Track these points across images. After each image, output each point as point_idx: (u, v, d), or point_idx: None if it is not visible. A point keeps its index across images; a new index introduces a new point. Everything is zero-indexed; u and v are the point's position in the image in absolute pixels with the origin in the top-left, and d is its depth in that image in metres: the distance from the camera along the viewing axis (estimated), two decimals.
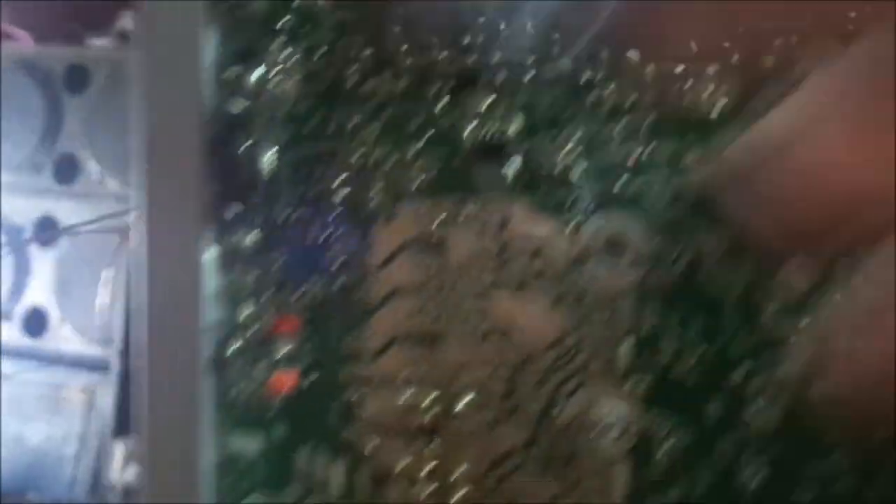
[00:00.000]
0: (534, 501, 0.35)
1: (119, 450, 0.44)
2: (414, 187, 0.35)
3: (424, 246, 0.35)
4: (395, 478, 0.37)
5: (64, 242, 0.47)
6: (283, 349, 0.37)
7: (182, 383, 0.37)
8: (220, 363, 0.37)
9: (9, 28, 0.50)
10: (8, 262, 0.46)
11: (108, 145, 0.45)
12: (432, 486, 0.37)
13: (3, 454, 0.46)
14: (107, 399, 0.44)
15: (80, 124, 0.46)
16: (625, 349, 0.34)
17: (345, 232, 0.36)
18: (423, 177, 0.35)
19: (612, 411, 0.34)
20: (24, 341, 0.47)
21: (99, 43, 0.47)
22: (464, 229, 0.35)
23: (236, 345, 0.37)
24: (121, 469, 0.43)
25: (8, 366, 0.47)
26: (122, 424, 0.43)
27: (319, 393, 0.37)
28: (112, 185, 0.45)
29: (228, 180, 0.36)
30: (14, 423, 0.47)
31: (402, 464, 0.37)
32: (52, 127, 0.46)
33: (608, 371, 0.34)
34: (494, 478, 0.36)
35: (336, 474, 0.39)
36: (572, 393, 0.34)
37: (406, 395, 0.36)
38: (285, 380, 0.37)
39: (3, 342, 0.47)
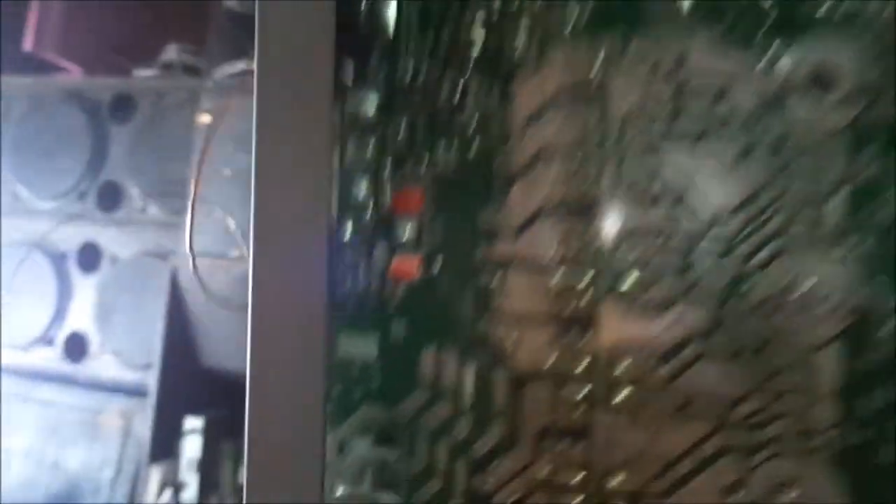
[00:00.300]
0: (715, 399, 0.29)
1: (155, 475, 0.43)
2: (567, 27, 0.31)
3: (580, 96, 0.30)
4: (542, 378, 0.31)
5: (106, 267, 0.48)
6: (405, 230, 0.33)
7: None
8: (331, 247, 0.33)
9: (58, 60, 0.53)
10: (51, 287, 0.48)
11: (151, 173, 0.47)
12: (586, 388, 0.31)
13: (41, 480, 0.48)
14: (144, 424, 0.44)
15: (124, 153, 0.48)
16: (835, 205, 0.28)
17: (481, 88, 0.31)
18: (576, 12, 0.30)
19: (820, 283, 0.27)
20: (64, 367, 0.48)
21: (144, 74, 0.50)
22: (628, 72, 0.30)
23: (350, 227, 0.33)
24: (156, 494, 0.43)
25: (48, 391, 0.48)
26: (159, 450, 0.43)
27: (447, 281, 0.32)
28: (154, 211, 0.47)
29: (346, 35, 0.32)
30: (52, 448, 0.48)
31: (549, 361, 0.31)
32: (98, 155, 0.48)
33: (814, 234, 0.27)
34: (667, 371, 0.30)
35: (467, 377, 0.33)
36: (767, 263, 0.28)
37: (555, 278, 0.31)
38: (407, 266, 0.32)
39: (44, 367, 0.48)
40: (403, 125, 0.32)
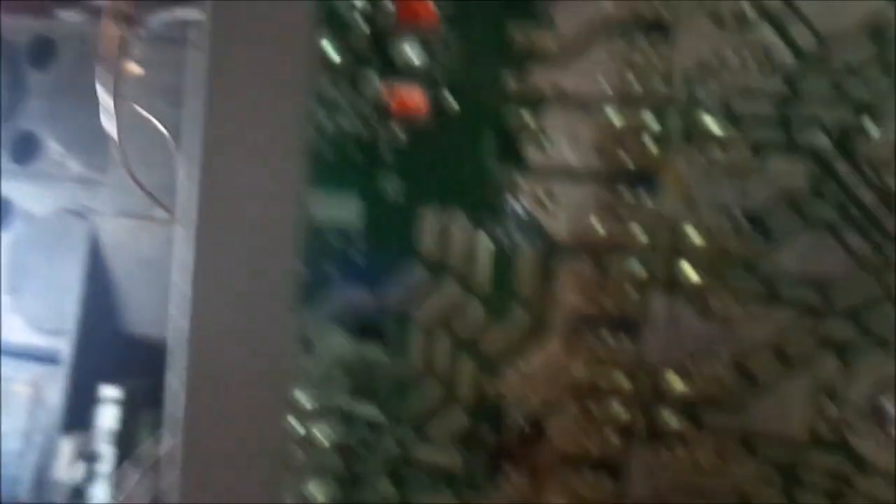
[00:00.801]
0: (816, 279, 0.23)
1: (66, 447, 0.40)
2: None
3: None
4: (584, 251, 0.23)
5: (18, 226, 0.44)
6: (410, 50, 0.25)
7: None
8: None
9: None
10: None
11: (72, 125, 0.43)
12: (643, 264, 0.24)
13: None
14: (56, 393, 0.42)
15: (42, 101, 0.44)
16: None
17: None
18: None
19: None
20: None
21: (68, 16, 0.44)
22: None
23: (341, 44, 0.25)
24: (68, 466, 0.40)
25: None
26: (72, 420, 0.41)
27: (464, 121, 0.24)
28: (73, 166, 0.43)
29: None
30: None
31: (596, 229, 0.24)
32: (13, 103, 0.44)
33: None
34: (752, 243, 0.23)
35: (482, 249, 0.26)
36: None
37: (611, 120, 0.24)
38: (410, 100, 0.25)
39: None
40: None
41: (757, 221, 0.23)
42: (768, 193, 0.22)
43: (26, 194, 0.44)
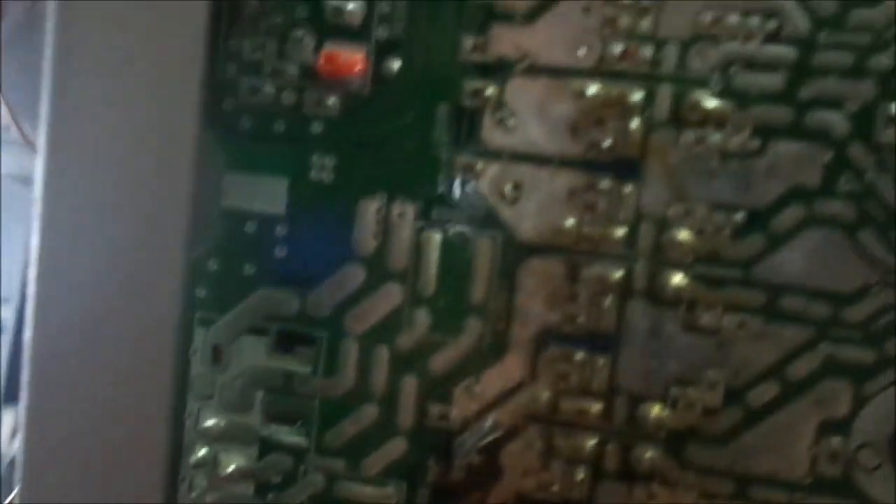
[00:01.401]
0: (821, 290, 0.19)
1: (8, 419, 0.39)
2: None
3: None
4: (552, 251, 0.19)
5: None
6: (345, 5, 0.21)
7: None
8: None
9: None
10: None
11: (19, 88, 0.41)
12: (620, 269, 0.20)
13: None
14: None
15: None
16: None
17: None
18: None
19: None
20: None
21: None
22: None
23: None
24: (9, 439, 0.38)
25: None
26: (15, 391, 0.35)
27: (409, 90, 0.20)
28: (24, 130, 0.40)
29: None
30: None
31: (567, 225, 0.19)
32: None
33: None
34: (748, 246, 0.19)
35: (431, 245, 0.22)
36: None
37: (586, 92, 0.19)
38: (344, 63, 0.21)
39: None
40: None
41: (757, 219, 0.19)
42: (772, 185, 0.19)
43: None
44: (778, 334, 0.19)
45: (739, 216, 0.19)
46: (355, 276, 0.21)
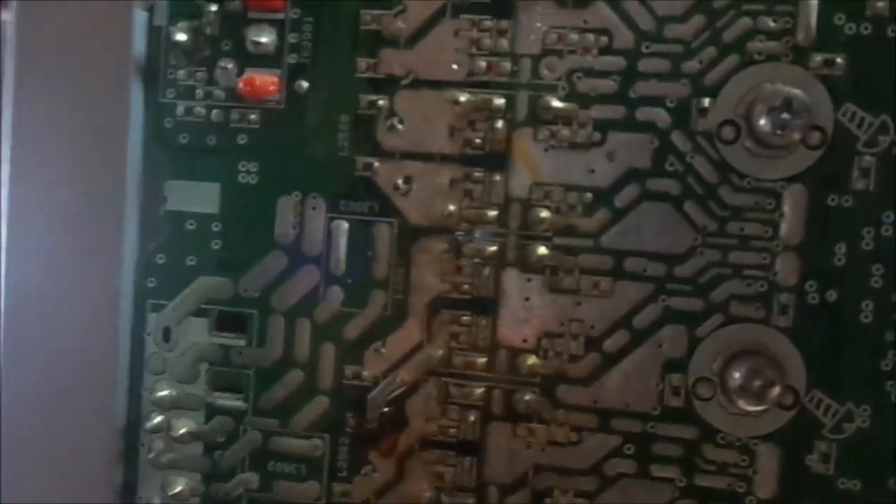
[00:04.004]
0: (656, 255, 0.23)
1: None
2: None
3: None
4: (440, 232, 0.23)
5: None
6: (261, 34, 0.24)
7: None
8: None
9: None
10: None
11: None
12: (495, 244, 0.23)
13: None
14: None
15: None
16: None
17: None
18: None
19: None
20: None
21: None
22: None
23: (183, 35, 0.24)
24: None
25: None
26: None
27: (317, 105, 0.24)
28: None
29: None
30: None
31: (451, 209, 0.23)
32: None
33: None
34: (598, 221, 0.23)
35: (340, 232, 0.25)
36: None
37: (462, 99, 0.23)
38: (261, 86, 0.24)
39: None
40: None
41: (603, 197, 0.23)
42: (612, 168, 0.23)
43: None
44: (625, 291, 0.23)
45: (588, 196, 0.23)
46: (278, 261, 0.25)
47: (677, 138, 0.23)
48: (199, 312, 0.25)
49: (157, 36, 0.25)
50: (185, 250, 0.25)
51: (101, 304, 0.25)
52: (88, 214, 0.24)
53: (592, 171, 0.23)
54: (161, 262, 0.25)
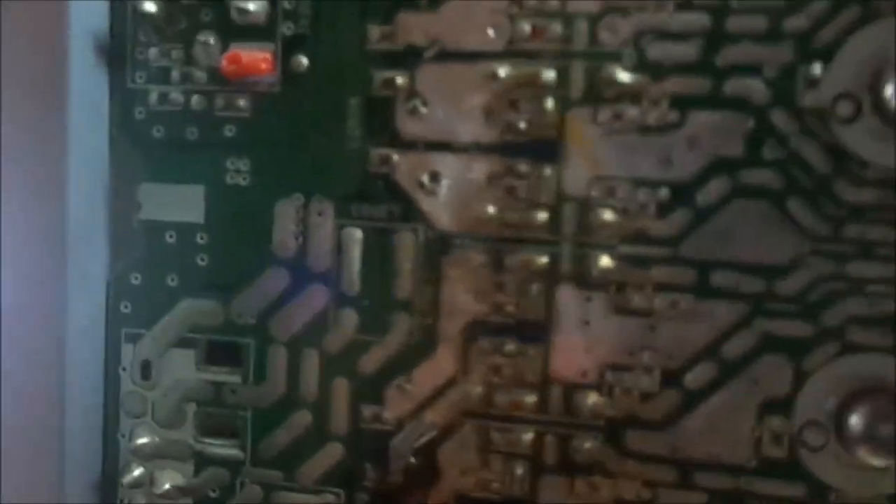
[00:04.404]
0: (753, 269, 0.18)
1: None
2: None
3: None
4: (476, 242, 0.18)
5: None
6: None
7: None
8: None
9: None
10: None
11: None
12: (545, 253, 0.19)
13: None
14: None
15: None
16: None
17: None
18: None
19: None
20: None
21: None
22: None
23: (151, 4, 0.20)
24: None
25: None
26: None
27: (319, 85, 0.19)
28: None
29: None
30: None
31: (489, 216, 0.18)
32: None
33: None
34: (676, 225, 0.18)
35: (353, 243, 0.21)
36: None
37: (500, 74, 0.19)
38: (251, 62, 0.20)
39: None
40: None
41: (681, 194, 0.18)
42: (694, 157, 0.19)
43: None
44: (711, 312, 0.18)
45: (663, 192, 0.19)
46: (278, 279, 0.20)
47: (778, 118, 0.18)
48: (183, 343, 0.21)
49: (121, 7, 0.21)
50: (165, 268, 0.21)
51: (69, 335, 0.22)
52: (42, 226, 0.20)
53: (668, 161, 0.18)
54: (136, 282, 0.21)
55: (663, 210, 0.18)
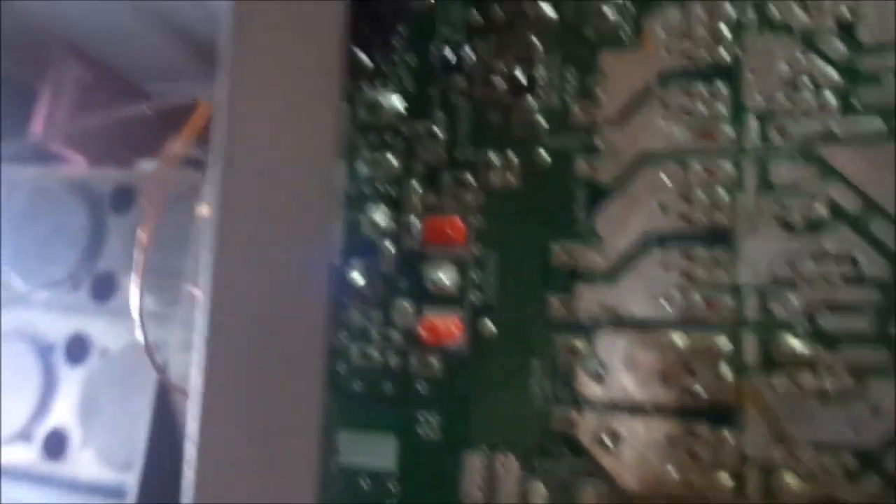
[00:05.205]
0: None
1: None
2: None
3: (698, 75, 0.21)
4: (647, 491, 0.19)
5: (93, 361, 0.45)
6: (441, 273, 0.23)
7: None
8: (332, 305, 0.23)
9: (63, 151, 0.54)
10: (35, 380, 0.45)
11: (148, 265, 0.44)
12: None
13: None
14: None
15: (121, 243, 0.47)
16: None
17: (554, 69, 0.22)
18: None
19: None
20: (43, 465, 0.45)
21: (147, 166, 0.50)
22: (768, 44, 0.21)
23: (358, 275, 0.23)
24: None
25: (21, 491, 0.44)
26: None
27: (504, 349, 0.21)
28: (148, 303, 0.43)
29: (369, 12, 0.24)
30: None
31: (672, 477, 0.19)
32: (95, 245, 0.47)
33: None
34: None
35: (536, 497, 0.22)
36: None
37: (675, 342, 0.20)
38: (443, 329, 0.22)
39: (21, 466, 0.45)
40: (440, 124, 0.23)
41: (870, 461, 0.19)
42: (880, 424, 0.19)
43: (102, 331, 0.45)
44: None
45: (850, 460, 0.19)
46: None
47: None
48: None
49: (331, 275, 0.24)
50: None
51: None
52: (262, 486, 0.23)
53: (857, 428, 0.18)
54: None
55: (852, 476, 0.18)
